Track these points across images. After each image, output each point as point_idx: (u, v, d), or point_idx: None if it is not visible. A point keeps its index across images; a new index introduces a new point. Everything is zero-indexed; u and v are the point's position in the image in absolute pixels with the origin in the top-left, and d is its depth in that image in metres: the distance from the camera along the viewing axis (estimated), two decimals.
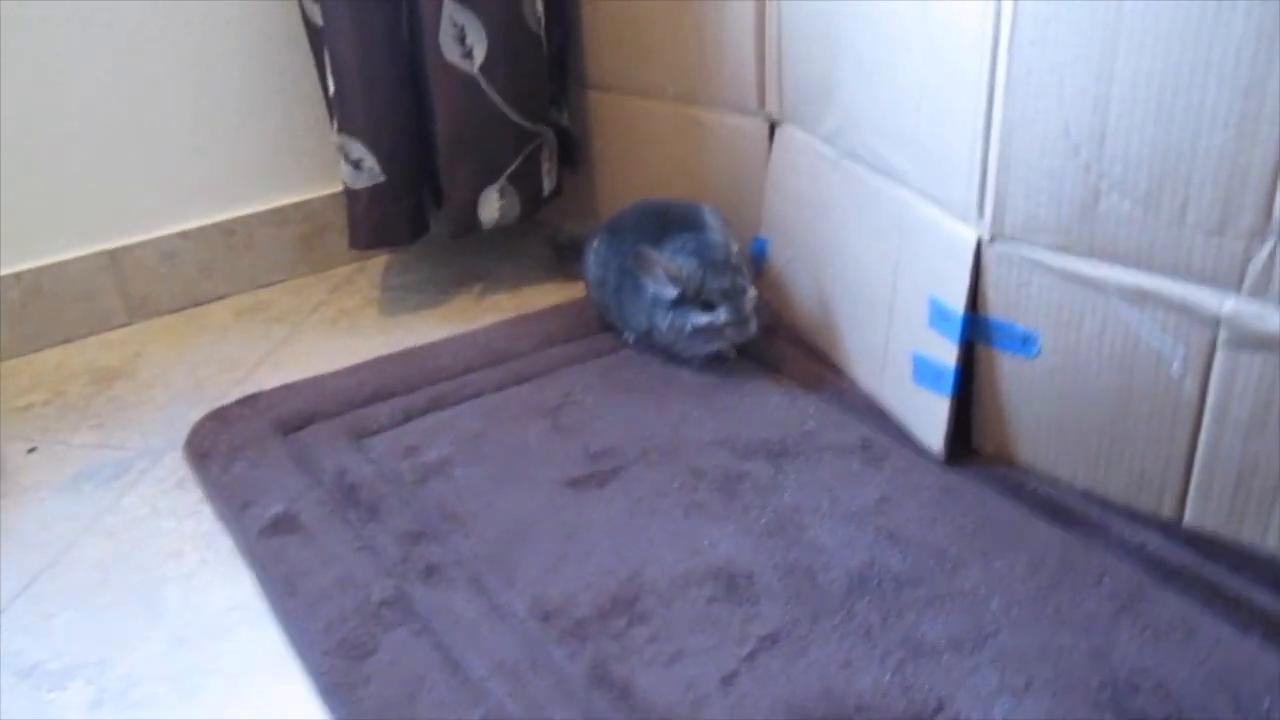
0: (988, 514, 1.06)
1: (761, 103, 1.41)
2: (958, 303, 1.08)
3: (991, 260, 1.05)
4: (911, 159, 1.14)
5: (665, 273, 1.26)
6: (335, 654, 0.93)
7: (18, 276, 1.50)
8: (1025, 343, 1.06)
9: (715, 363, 1.33)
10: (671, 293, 1.27)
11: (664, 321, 1.29)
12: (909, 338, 1.16)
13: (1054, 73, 0.94)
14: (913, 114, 1.12)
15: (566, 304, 1.51)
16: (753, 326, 1.27)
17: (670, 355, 1.34)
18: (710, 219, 1.31)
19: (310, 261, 1.70)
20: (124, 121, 1.52)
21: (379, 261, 1.71)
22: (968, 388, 1.13)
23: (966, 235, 1.06)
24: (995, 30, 0.98)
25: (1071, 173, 0.96)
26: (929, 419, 1.14)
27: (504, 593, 0.99)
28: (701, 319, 1.27)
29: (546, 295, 1.58)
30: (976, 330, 1.09)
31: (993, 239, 1.04)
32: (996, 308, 1.07)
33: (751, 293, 1.28)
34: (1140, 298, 0.96)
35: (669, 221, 1.32)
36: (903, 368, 1.18)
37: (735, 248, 1.30)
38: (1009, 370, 1.09)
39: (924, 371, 1.14)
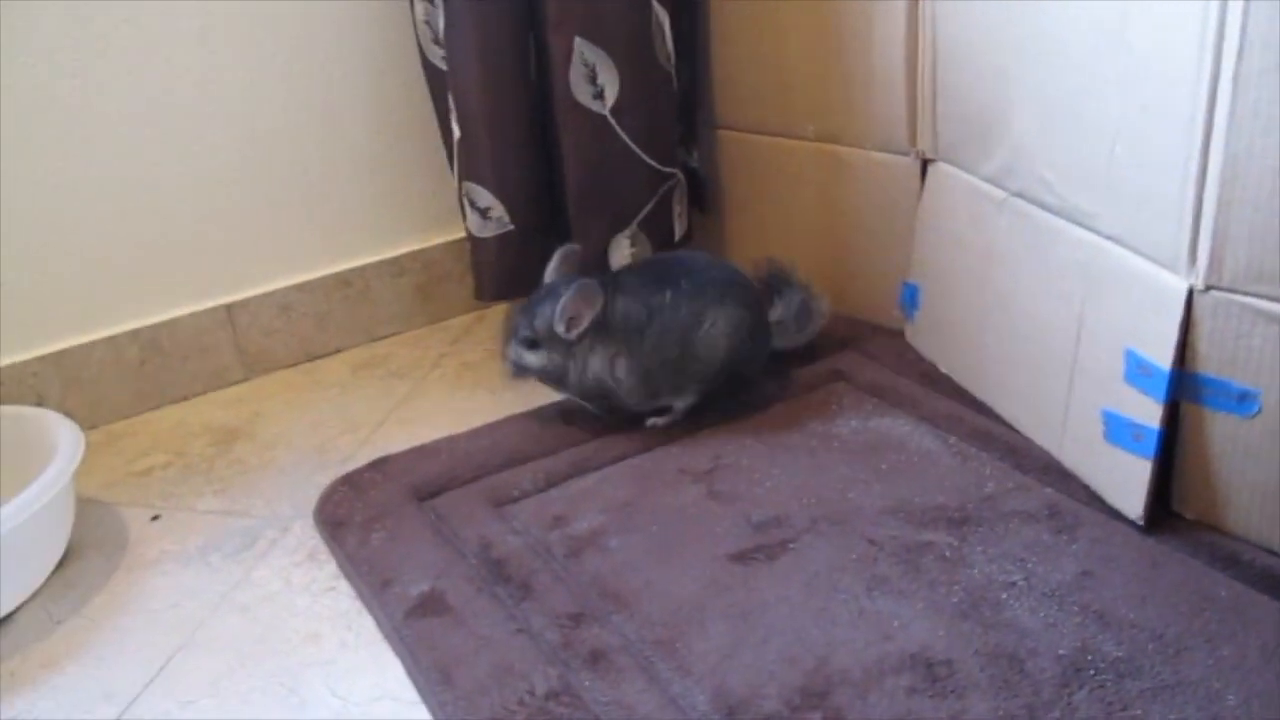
0: (1203, 590, 0.96)
1: (912, 140, 1.32)
2: (1163, 357, 0.98)
3: (1205, 311, 0.95)
4: (1100, 201, 1.04)
5: None
6: None
7: (135, 334, 1.46)
8: (1242, 401, 0.96)
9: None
10: None
11: None
12: (1098, 394, 1.07)
13: None
14: (1103, 153, 1.02)
15: None
16: (513, 371, 1.28)
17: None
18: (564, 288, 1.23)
19: (428, 312, 1.64)
20: (237, 174, 1.48)
21: (498, 311, 1.64)
22: (1168, 448, 1.03)
23: (1175, 284, 0.96)
24: (1215, 62, 0.88)
25: None
26: (1125, 482, 1.04)
27: (679, 683, 0.90)
28: None
29: None
30: (1183, 387, 0.99)
31: (1207, 288, 0.94)
32: (1209, 363, 0.97)
33: (532, 359, 1.26)
34: None
35: None
36: (1090, 426, 1.08)
37: (560, 315, 1.22)
38: (1220, 430, 0.98)
39: (1118, 430, 1.04)
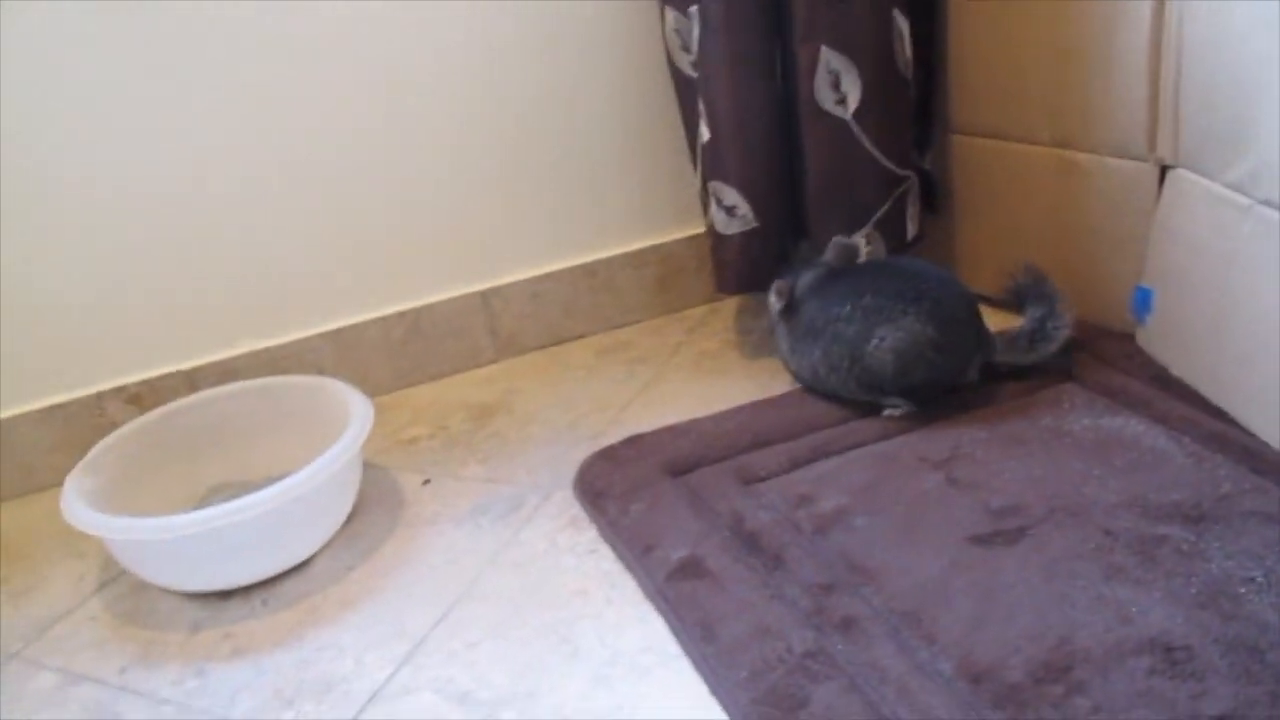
0: None
1: (1151, 146, 1.35)
2: None
3: None
4: None
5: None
6: (765, 703, 0.93)
7: (401, 315, 1.60)
8: None
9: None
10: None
11: None
12: None
13: None
14: None
15: None
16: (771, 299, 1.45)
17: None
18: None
19: (665, 303, 1.74)
20: (494, 174, 1.61)
21: (730, 304, 1.74)
22: None
23: None
24: None
25: None
26: None
27: (926, 650, 0.97)
28: None
29: None
30: None
31: None
32: None
33: (773, 304, 1.45)
34: None
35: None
36: None
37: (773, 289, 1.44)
38: None
39: None
